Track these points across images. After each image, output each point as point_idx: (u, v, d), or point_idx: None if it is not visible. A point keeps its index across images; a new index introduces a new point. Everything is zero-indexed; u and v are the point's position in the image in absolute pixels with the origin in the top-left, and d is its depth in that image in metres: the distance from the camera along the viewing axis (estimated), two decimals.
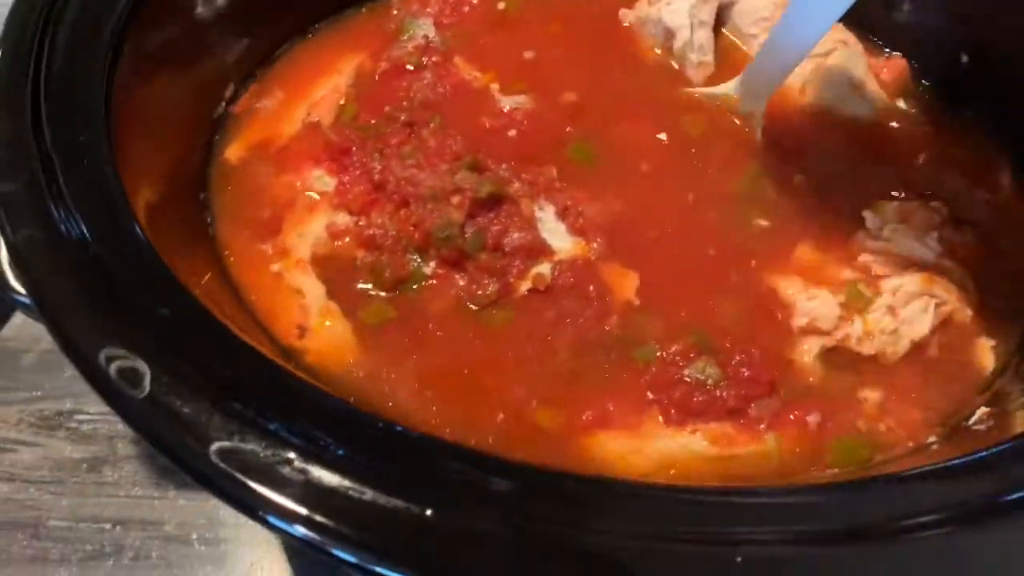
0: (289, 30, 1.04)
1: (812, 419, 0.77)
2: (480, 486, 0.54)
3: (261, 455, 0.53)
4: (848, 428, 0.77)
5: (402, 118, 0.91)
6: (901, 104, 1.02)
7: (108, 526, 0.92)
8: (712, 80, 1.01)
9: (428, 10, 1.06)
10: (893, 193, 0.93)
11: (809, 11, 0.82)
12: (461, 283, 0.81)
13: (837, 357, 0.82)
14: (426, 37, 1.02)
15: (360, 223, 0.84)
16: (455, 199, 0.82)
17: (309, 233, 0.84)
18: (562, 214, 0.86)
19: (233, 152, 0.91)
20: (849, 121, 0.99)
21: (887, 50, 1.07)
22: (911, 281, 0.83)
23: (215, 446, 0.53)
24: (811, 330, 0.82)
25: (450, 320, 0.80)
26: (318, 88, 0.96)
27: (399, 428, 0.58)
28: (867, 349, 0.81)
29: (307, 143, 0.91)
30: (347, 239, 0.84)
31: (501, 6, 1.08)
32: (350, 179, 0.86)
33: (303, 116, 0.93)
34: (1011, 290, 0.87)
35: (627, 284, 0.83)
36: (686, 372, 0.77)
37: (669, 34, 1.02)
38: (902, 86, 1.04)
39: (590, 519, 0.53)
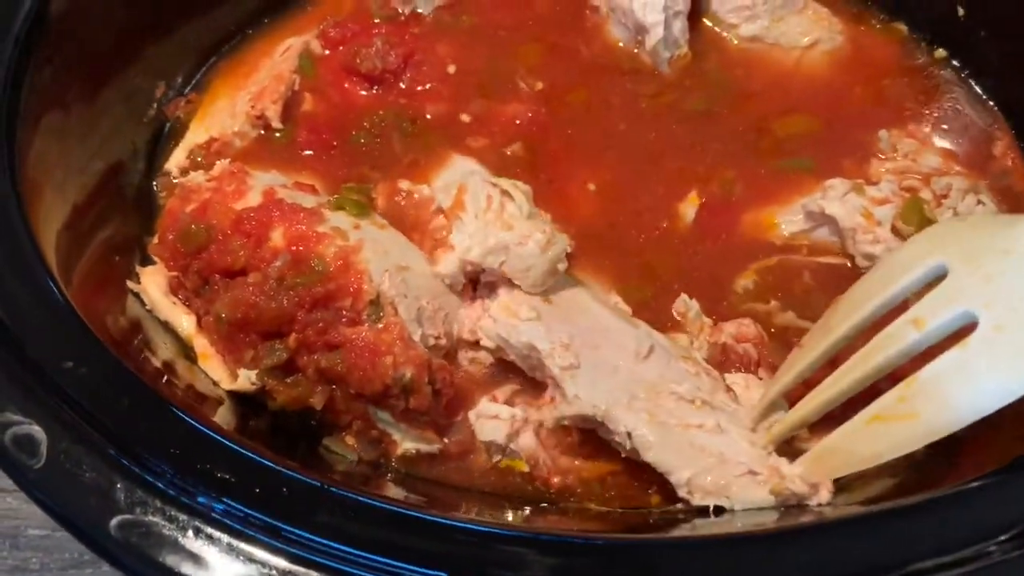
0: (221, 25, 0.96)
1: None
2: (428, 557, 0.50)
3: (167, 528, 0.50)
4: None
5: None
6: None
7: None
8: (686, 70, 0.93)
9: None
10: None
11: None
12: None
13: None
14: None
15: None
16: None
17: None
18: None
19: (174, 161, 0.86)
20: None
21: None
22: (958, 180, 0.80)
23: (116, 520, 0.50)
24: None
25: None
26: (259, 77, 0.89)
27: (335, 490, 0.53)
28: None
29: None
30: None
31: None
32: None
33: (246, 109, 0.87)
34: None
35: None
36: None
37: (640, 29, 0.91)
38: None
39: None
